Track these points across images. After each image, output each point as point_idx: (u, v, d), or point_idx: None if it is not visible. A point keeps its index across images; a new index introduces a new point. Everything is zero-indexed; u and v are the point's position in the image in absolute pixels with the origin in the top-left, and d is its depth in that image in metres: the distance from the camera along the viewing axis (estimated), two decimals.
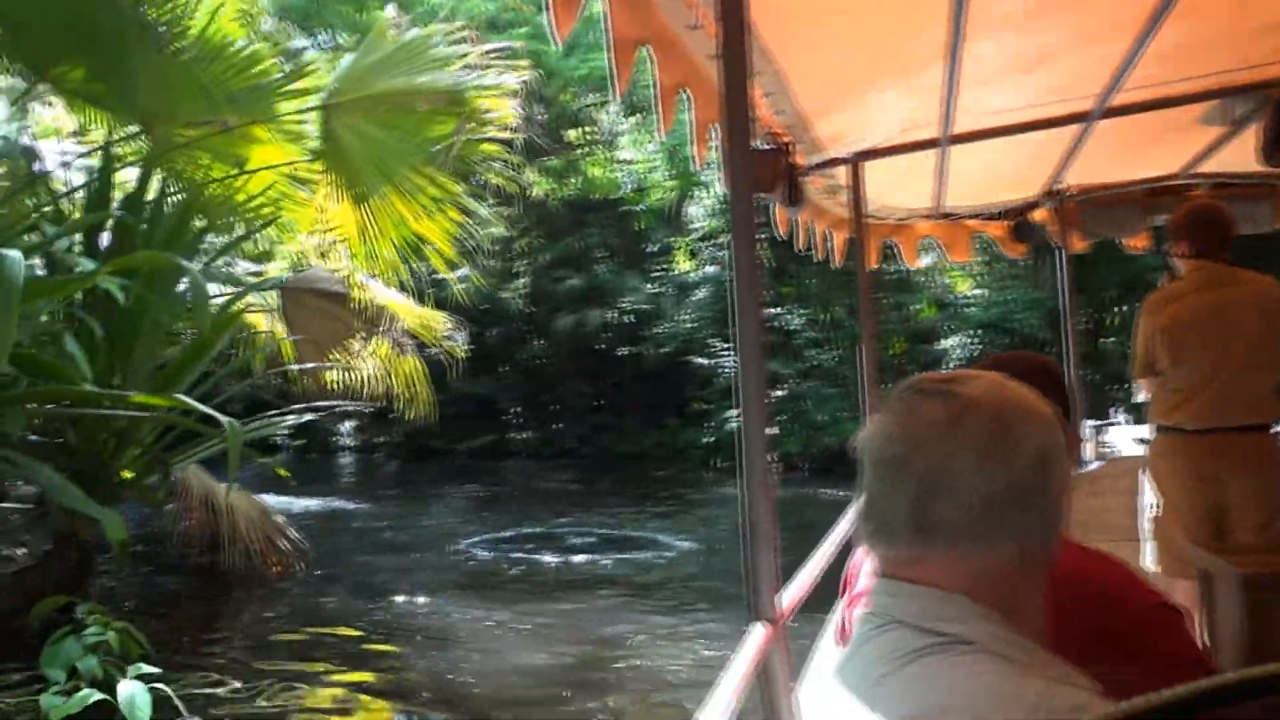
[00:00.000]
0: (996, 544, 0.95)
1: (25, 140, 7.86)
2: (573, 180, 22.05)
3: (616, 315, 22.43)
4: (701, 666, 5.86)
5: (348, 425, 23.77)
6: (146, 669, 4.99)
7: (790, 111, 3.25)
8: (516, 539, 11.59)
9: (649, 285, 22.18)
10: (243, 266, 9.31)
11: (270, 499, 14.66)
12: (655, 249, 22.51)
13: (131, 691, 4.68)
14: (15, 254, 4.27)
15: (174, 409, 6.11)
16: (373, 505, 15.50)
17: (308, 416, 8.45)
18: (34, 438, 6.50)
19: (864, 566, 1.61)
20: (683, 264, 21.75)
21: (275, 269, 9.29)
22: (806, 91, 3.11)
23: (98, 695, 4.65)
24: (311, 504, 14.73)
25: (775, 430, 19.80)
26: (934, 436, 0.97)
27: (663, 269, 22.15)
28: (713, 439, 20.13)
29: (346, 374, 8.54)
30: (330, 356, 8.51)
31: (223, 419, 5.03)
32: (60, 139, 8.11)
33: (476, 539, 11.58)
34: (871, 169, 3.87)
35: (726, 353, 20.19)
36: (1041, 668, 0.90)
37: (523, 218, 22.56)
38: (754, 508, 1.65)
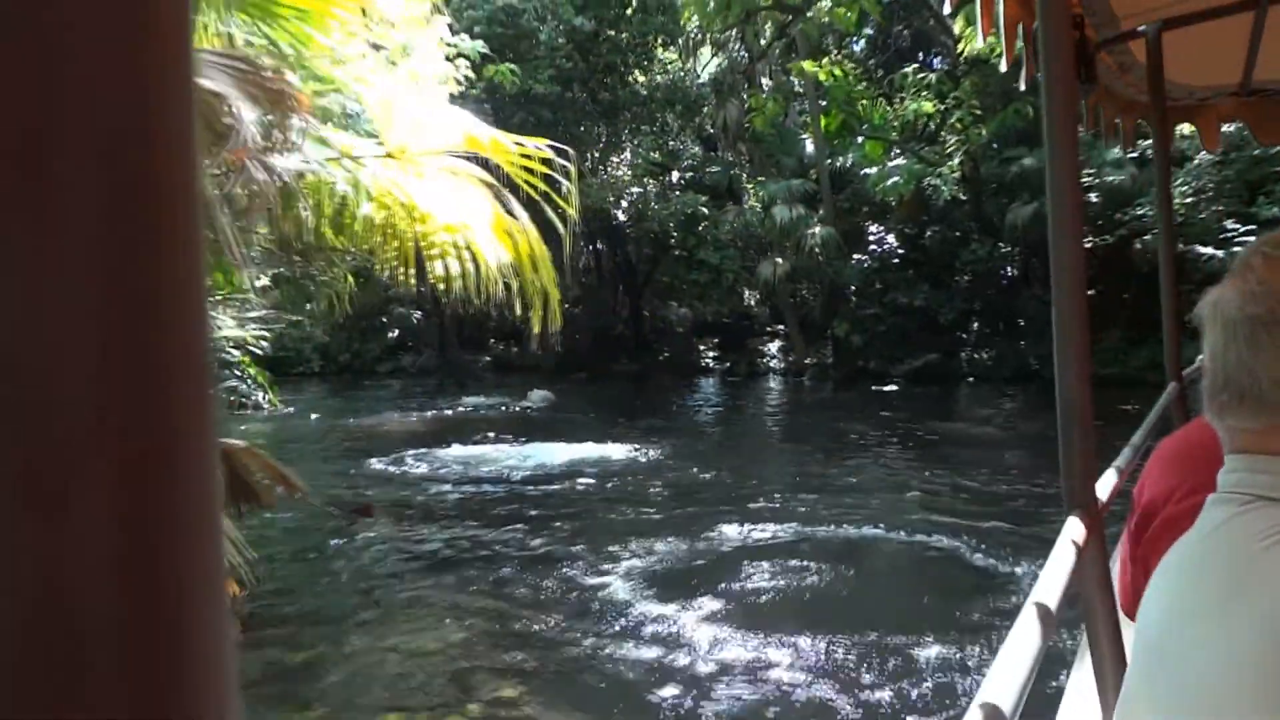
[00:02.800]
0: None
1: None
2: None
3: (1089, 198, 17.38)
4: None
5: (775, 345, 21.68)
6: None
7: None
8: (774, 561, 7.08)
9: (1130, 152, 16.77)
10: None
11: (506, 448, 12.11)
12: None
13: None
14: None
15: None
16: (666, 455, 12.02)
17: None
18: None
19: (1150, 483, 1.55)
20: None
21: None
22: None
23: None
24: (563, 455, 11.75)
25: None
26: None
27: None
28: None
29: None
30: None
31: None
32: None
33: (689, 557, 7.18)
34: (1169, 42, 3.37)
35: (1247, 239, 14.60)
36: None
37: (951, 83, 18.01)
38: (1067, 385, 1.50)
